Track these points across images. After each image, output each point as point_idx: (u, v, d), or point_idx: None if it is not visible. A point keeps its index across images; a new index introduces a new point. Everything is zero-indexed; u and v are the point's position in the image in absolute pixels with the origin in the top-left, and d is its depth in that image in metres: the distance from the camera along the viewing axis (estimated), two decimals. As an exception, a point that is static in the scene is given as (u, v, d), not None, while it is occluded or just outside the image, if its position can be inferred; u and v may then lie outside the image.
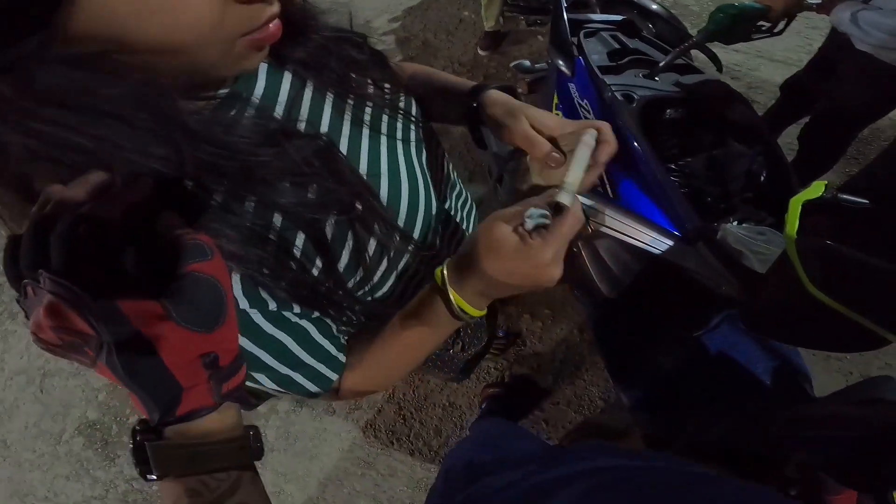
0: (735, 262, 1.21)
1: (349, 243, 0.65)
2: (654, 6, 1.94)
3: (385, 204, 0.71)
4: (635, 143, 1.40)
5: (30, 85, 0.40)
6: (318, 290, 0.63)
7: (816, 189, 0.95)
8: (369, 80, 0.76)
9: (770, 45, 2.22)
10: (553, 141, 0.73)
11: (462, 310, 0.66)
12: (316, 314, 0.67)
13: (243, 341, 0.59)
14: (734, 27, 1.51)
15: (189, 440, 0.47)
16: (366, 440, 2.25)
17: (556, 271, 0.60)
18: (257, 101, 0.62)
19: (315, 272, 0.63)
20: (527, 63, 2.15)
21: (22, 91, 0.40)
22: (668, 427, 1.39)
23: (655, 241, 1.36)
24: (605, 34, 1.79)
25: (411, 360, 0.77)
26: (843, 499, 0.89)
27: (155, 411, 0.45)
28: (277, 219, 0.58)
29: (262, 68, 0.65)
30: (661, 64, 1.58)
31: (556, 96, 1.79)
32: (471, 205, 1.02)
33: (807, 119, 2.20)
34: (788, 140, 2.35)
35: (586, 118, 1.55)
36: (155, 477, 0.46)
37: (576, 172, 0.66)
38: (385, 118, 0.77)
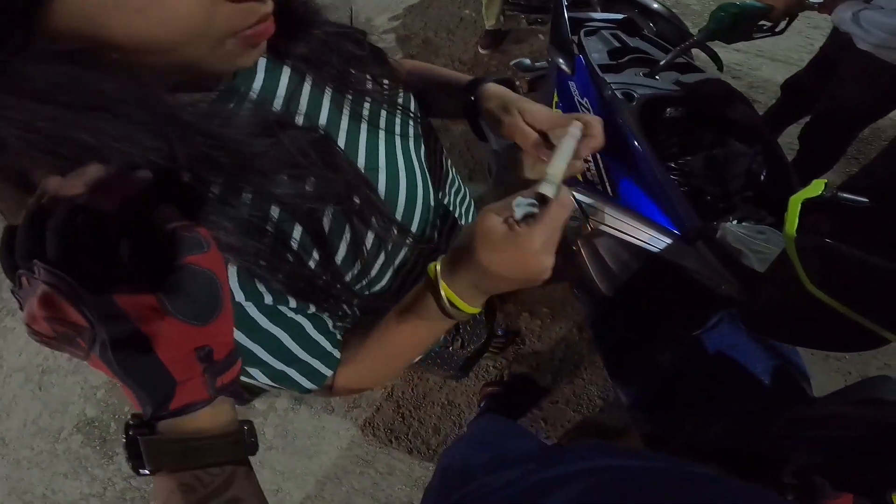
0: (734, 261, 1.21)
1: (346, 236, 0.65)
2: (655, 5, 1.94)
3: (383, 198, 0.71)
4: (635, 142, 1.40)
5: (17, 80, 0.40)
6: (316, 283, 0.63)
7: (816, 188, 0.95)
8: (368, 76, 0.76)
9: (771, 44, 2.22)
10: (546, 135, 0.73)
11: (453, 305, 0.65)
12: (312, 309, 0.67)
13: (238, 335, 0.59)
14: (735, 26, 1.50)
15: (182, 434, 0.47)
16: (364, 438, 2.25)
17: (547, 260, 0.60)
18: (255, 95, 0.62)
19: (312, 265, 0.62)
20: (527, 61, 2.15)
21: (10, 86, 0.40)
22: (667, 426, 1.39)
23: (655, 240, 1.36)
24: (605, 33, 1.78)
25: (405, 356, 0.77)
26: (839, 503, 0.89)
27: (148, 405, 0.45)
28: (275, 211, 0.57)
29: (261, 63, 0.65)
30: (661, 63, 1.58)
31: (556, 94, 1.79)
32: (469, 201, 1.02)
33: (807, 119, 2.20)
34: (789, 140, 2.35)
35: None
36: (147, 472, 0.46)
37: (558, 164, 0.66)
38: (383, 114, 0.77)
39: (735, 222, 1.30)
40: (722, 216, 1.37)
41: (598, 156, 1.52)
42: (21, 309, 0.41)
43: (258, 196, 0.55)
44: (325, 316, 0.71)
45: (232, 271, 0.55)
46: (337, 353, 0.74)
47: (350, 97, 0.72)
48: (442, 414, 2.26)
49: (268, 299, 0.60)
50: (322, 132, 0.64)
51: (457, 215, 0.94)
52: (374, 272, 0.73)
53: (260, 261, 0.56)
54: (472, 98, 0.84)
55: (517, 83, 0.83)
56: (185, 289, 0.42)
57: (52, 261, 0.38)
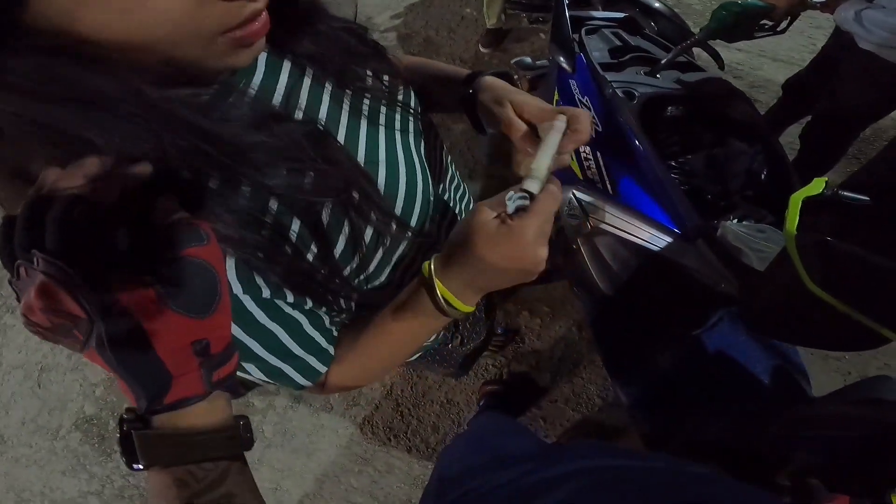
0: (734, 260, 1.21)
1: (345, 230, 0.65)
2: (657, 4, 1.94)
3: (382, 192, 0.70)
4: (636, 141, 1.39)
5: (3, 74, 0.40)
6: (314, 277, 0.63)
7: (816, 186, 0.95)
8: (369, 72, 0.76)
9: (773, 44, 2.21)
10: (536, 127, 0.73)
11: (448, 303, 0.65)
12: (308, 305, 0.67)
13: (235, 329, 0.58)
14: (737, 25, 1.50)
15: (177, 429, 0.47)
16: (363, 437, 2.24)
17: (541, 251, 0.60)
18: (255, 90, 0.61)
19: (311, 258, 0.62)
20: (528, 60, 2.14)
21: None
22: (667, 425, 1.39)
23: (655, 239, 1.36)
24: (606, 31, 1.78)
25: (398, 355, 0.77)
26: (835, 505, 0.89)
27: (143, 399, 0.45)
28: (273, 203, 0.57)
29: (262, 58, 0.64)
30: (662, 61, 1.57)
31: (557, 93, 1.78)
32: (468, 197, 1.02)
33: (808, 118, 2.20)
34: (790, 139, 2.35)
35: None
36: (141, 467, 0.46)
37: (542, 159, 0.65)
38: (383, 109, 0.76)
39: (735, 221, 1.30)
40: (722, 215, 1.36)
41: (599, 154, 1.52)
42: (18, 300, 0.41)
43: (256, 189, 0.55)
44: (322, 312, 0.71)
45: (230, 263, 0.54)
46: (332, 350, 0.74)
47: (350, 92, 0.72)
48: (441, 412, 2.26)
49: (265, 293, 0.59)
50: (319, 126, 0.63)
51: (457, 211, 0.94)
52: (372, 267, 0.73)
53: (258, 253, 0.55)
54: (470, 91, 0.83)
55: (515, 77, 0.82)
56: (183, 281, 0.42)
57: (51, 251, 0.38)
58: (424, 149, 0.83)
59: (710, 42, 1.59)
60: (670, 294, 1.43)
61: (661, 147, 1.46)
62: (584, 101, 1.59)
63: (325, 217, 0.62)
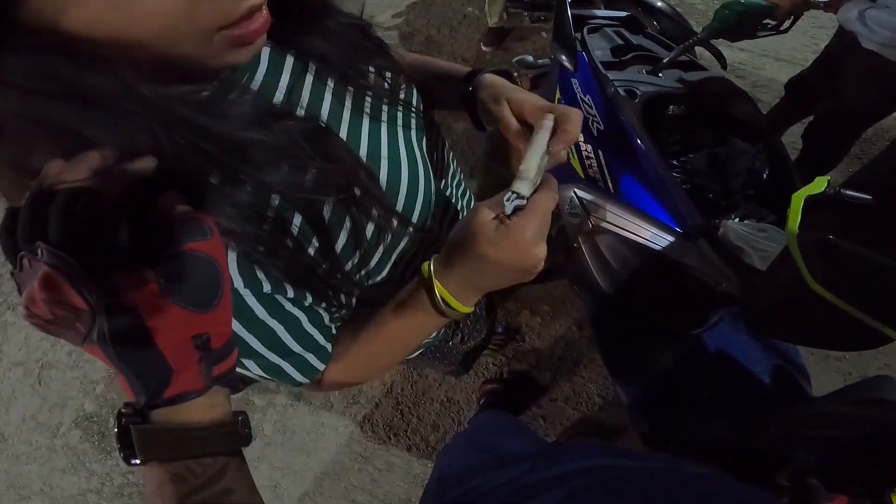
0: (736, 259, 1.21)
1: (347, 225, 0.65)
2: (659, 3, 1.94)
3: (385, 187, 0.70)
4: (637, 139, 1.39)
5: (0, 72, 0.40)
6: (315, 272, 0.63)
7: (819, 184, 0.95)
8: (372, 68, 0.75)
9: (776, 43, 2.21)
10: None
11: (447, 303, 0.66)
12: (308, 302, 0.67)
13: (235, 325, 0.58)
14: (740, 24, 1.50)
15: (176, 424, 0.47)
16: (363, 435, 2.25)
17: (540, 251, 0.61)
18: (257, 86, 0.61)
19: (312, 252, 0.62)
20: (530, 59, 2.14)
21: None
22: (667, 425, 1.39)
23: (656, 238, 1.35)
24: (608, 30, 1.78)
25: (396, 354, 0.78)
26: (834, 506, 0.89)
27: (142, 393, 0.44)
28: (275, 198, 0.57)
29: (265, 52, 0.64)
30: (664, 60, 1.57)
31: (558, 92, 1.78)
32: (470, 195, 1.02)
33: (811, 118, 2.19)
34: (792, 139, 2.34)
35: (589, 113, 1.54)
36: (139, 462, 0.46)
37: (530, 159, 0.65)
38: (386, 105, 0.76)
39: (737, 220, 1.30)
40: (724, 214, 1.36)
41: (600, 152, 1.51)
42: (19, 292, 0.41)
43: (257, 185, 0.55)
44: (322, 309, 0.71)
45: (232, 257, 0.54)
46: (330, 348, 0.74)
47: (352, 88, 0.72)
48: (441, 411, 2.26)
49: (266, 287, 0.59)
50: (320, 122, 0.64)
51: (458, 208, 0.94)
52: (373, 262, 0.73)
53: (260, 246, 0.55)
54: (470, 89, 0.83)
55: (515, 74, 0.82)
56: (186, 275, 0.42)
57: (55, 243, 0.38)
58: (427, 145, 0.83)
59: (713, 41, 1.59)
60: (671, 293, 1.43)
61: (662, 146, 1.46)
62: (586, 99, 1.59)
63: (326, 212, 0.62)
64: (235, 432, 0.51)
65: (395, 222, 0.71)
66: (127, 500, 2.28)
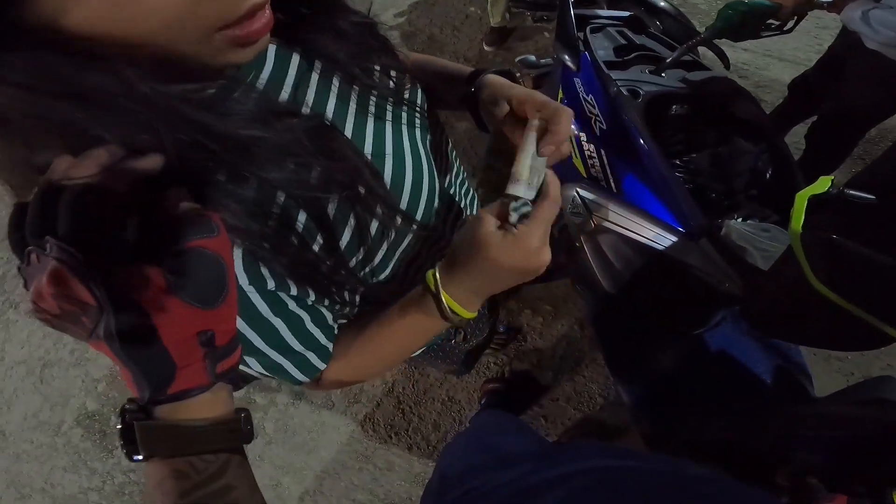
0: (738, 259, 1.20)
1: (351, 223, 0.65)
2: (662, 3, 1.93)
3: (389, 185, 0.71)
4: (640, 139, 1.39)
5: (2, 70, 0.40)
6: (319, 268, 0.63)
7: (822, 184, 0.95)
8: (377, 67, 0.75)
9: (779, 43, 2.21)
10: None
11: (454, 311, 0.67)
12: (311, 300, 0.67)
13: (238, 322, 0.58)
14: (743, 24, 1.50)
15: (179, 420, 0.47)
16: (364, 434, 2.25)
17: (545, 256, 0.63)
18: (263, 84, 0.61)
19: (316, 249, 0.62)
20: (532, 58, 2.14)
21: None
22: (668, 425, 1.38)
23: (659, 237, 1.35)
24: (611, 30, 1.78)
25: (397, 355, 0.79)
26: (833, 505, 0.89)
27: (146, 389, 0.45)
28: (281, 196, 0.57)
29: (271, 50, 0.64)
30: (667, 60, 1.57)
31: (561, 91, 1.78)
32: (473, 194, 1.02)
33: (814, 118, 2.19)
34: (795, 139, 2.34)
35: (591, 113, 1.54)
36: (141, 458, 0.46)
37: (520, 161, 0.66)
38: (391, 104, 0.76)
39: (740, 220, 1.30)
40: (726, 214, 1.36)
41: (603, 152, 1.51)
42: (26, 287, 0.42)
43: (261, 182, 0.55)
44: (324, 308, 0.71)
45: (237, 254, 0.55)
46: (331, 348, 0.74)
47: (358, 86, 0.72)
48: (442, 410, 2.26)
49: (270, 284, 0.60)
50: (324, 120, 0.63)
51: (462, 206, 0.94)
52: (377, 259, 0.74)
53: (264, 243, 0.56)
54: (472, 89, 0.84)
55: (517, 74, 0.82)
56: (192, 271, 0.43)
57: (63, 238, 0.39)
58: (431, 144, 0.84)
59: (716, 41, 1.58)
60: (673, 293, 1.43)
61: (665, 145, 1.46)
62: (589, 99, 1.59)
63: (331, 210, 0.62)
64: (238, 429, 0.51)
65: (398, 220, 0.71)
66: (128, 499, 2.27)
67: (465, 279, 0.66)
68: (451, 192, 0.90)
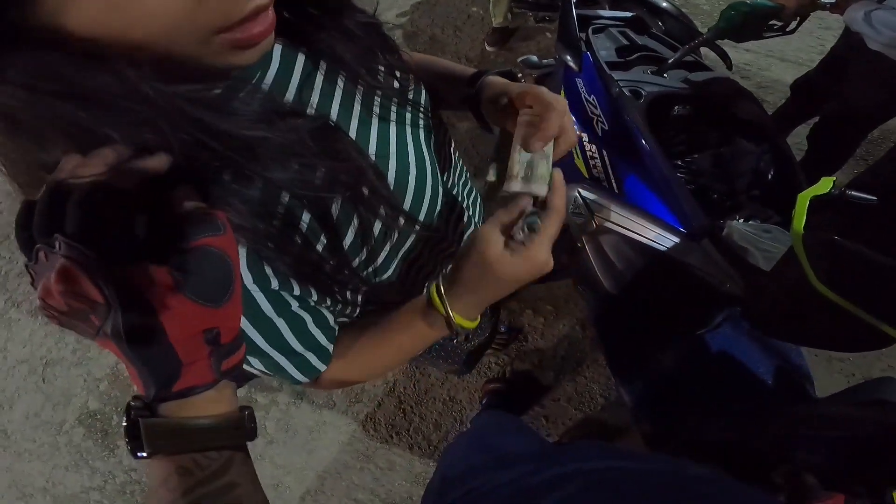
0: (740, 260, 1.20)
1: (354, 223, 0.66)
2: (664, 3, 1.93)
3: (392, 185, 0.71)
4: (642, 140, 1.39)
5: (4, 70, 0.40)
6: (322, 268, 0.64)
7: (824, 185, 0.95)
8: (382, 67, 0.75)
9: (782, 44, 2.21)
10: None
11: (458, 324, 0.70)
12: (314, 301, 0.67)
13: (242, 321, 0.58)
14: (745, 25, 1.50)
15: (184, 417, 0.47)
16: (365, 434, 2.25)
17: (550, 264, 0.65)
18: (269, 83, 0.62)
19: (320, 249, 0.63)
20: (534, 59, 2.14)
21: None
22: (669, 425, 1.39)
23: (660, 238, 1.35)
24: (613, 30, 1.78)
25: (398, 360, 0.79)
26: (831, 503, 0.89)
27: (151, 386, 0.45)
28: (285, 196, 0.57)
29: (277, 49, 0.64)
30: (669, 60, 1.57)
31: (563, 92, 1.78)
32: (476, 193, 1.03)
33: (816, 119, 2.19)
34: (797, 140, 2.34)
35: (593, 114, 1.54)
36: (145, 454, 0.46)
37: (511, 157, 0.68)
38: (395, 105, 0.76)
39: (741, 221, 1.30)
40: (728, 214, 1.36)
41: (605, 152, 1.51)
42: (33, 284, 0.42)
43: (265, 183, 0.55)
44: (326, 310, 0.72)
45: (241, 253, 0.55)
46: (331, 349, 0.74)
47: (362, 86, 0.72)
48: (443, 410, 2.26)
49: (274, 284, 0.60)
50: (329, 121, 0.64)
51: (464, 206, 0.94)
52: (380, 259, 0.74)
53: (269, 243, 0.56)
54: (474, 91, 0.84)
55: (519, 74, 0.82)
56: (199, 269, 0.43)
57: (72, 235, 0.39)
58: (434, 144, 0.84)
59: (718, 42, 1.58)
60: (675, 294, 1.43)
61: (667, 146, 1.46)
62: (591, 99, 1.59)
63: (335, 210, 0.63)
64: (242, 427, 0.52)
65: (401, 221, 0.72)
66: (129, 498, 2.28)
67: (471, 296, 0.68)
68: (454, 192, 0.91)
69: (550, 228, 0.64)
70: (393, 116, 0.75)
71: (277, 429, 2.31)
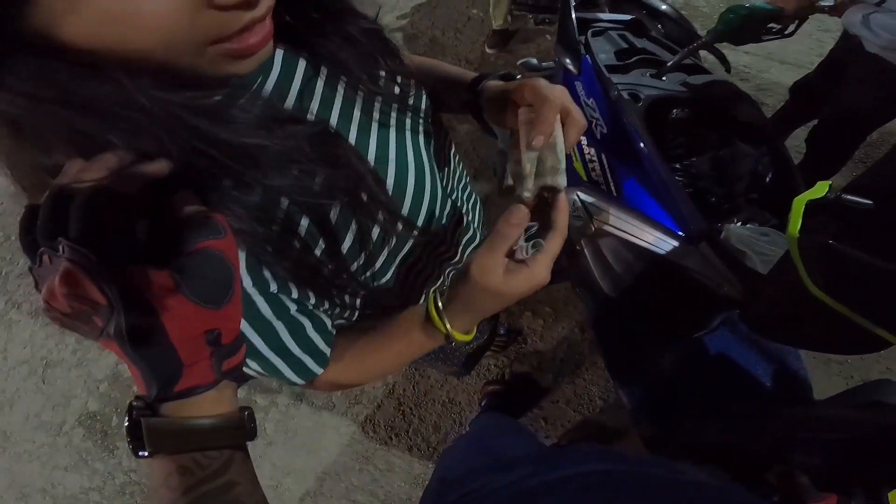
0: (738, 263, 1.21)
1: (353, 228, 0.66)
2: (664, 6, 1.93)
3: (391, 191, 0.71)
4: (640, 143, 1.39)
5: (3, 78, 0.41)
6: (320, 272, 0.64)
7: (820, 189, 0.95)
8: (383, 72, 0.75)
9: (781, 47, 2.20)
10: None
11: (456, 338, 0.71)
12: (312, 305, 0.67)
13: (241, 324, 0.59)
14: (744, 28, 1.50)
15: (184, 417, 0.47)
16: (364, 435, 2.25)
17: (548, 279, 0.65)
18: (270, 89, 0.62)
19: (318, 253, 0.63)
20: (534, 61, 2.15)
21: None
22: (667, 427, 1.39)
23: (659, 241, 1.35)
24: (613, 33, 1.78)
25: (394, 365, 0.80)
26: (824, 504, 0.89)
27: (153, 386, 0.46)
28: (284, 201, 0.58)
29: (278, 54, 0.64)
30: (668, 63, 1.57)
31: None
32: (475, 198, 1.03)
33: (815, 122, 2.19)
34: (796, 143, 2.34)
35: (592, 117, 1.55)
36: (146, 454, 0.46)
37: (522, 159, 0.68)
38: (395, 109, 0.77)
39: (739, 224, 1.30)
40: (726, 217, 1.37)
41: (603, 156, 1.52)
42: (37, 287, 0.43)
43: (264, 189, 0.55)
44: (324, 314, 0.72)
45: (241, 256, 0.55)
46: (329, 353, 0.75)
47: (363, 91, 0.72)
48: (442, 412, 2.26)
49: (272, 287, 0.61)
50: (328, 127, 0.64)
51: (463, 211, 0.94)
52: (378, 264, 0.74)
53: (268, 246, 0.57)
54: (475, 95, 0.84)
55: (518, 77, 0.82)
56: (200, 272, 0.44)
57: (75, 239, 0.39)
58: (434, 149, 0.84)
59: (717, 45, 1.59)
60: (673, 296, 1.43)
61: (666, 149, 1.46)
62: (590, 103, 1.59)
63: (333, 215, 0.63)
64: (242, 427, 0.52)
65: (400, 226, 0.72)
66: (128, 499, 2.28)
67: (469, 313, 0.69)
68: (454, 197, 0.91)
69: (553, 247, 0.65)
70: (393, 122, 0.75)
71: (277, 430, 2.31)
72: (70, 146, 0.45)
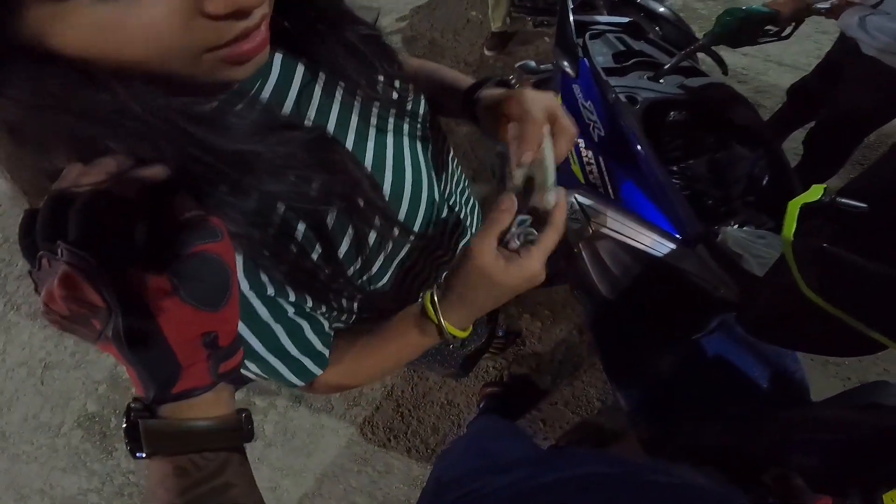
0: (734, 266, 1.21)
1: (349, 232, 0.66)
2: (661, 9, 1.94)
3: (388, 195, 0.72)
4: (638, 145, 1.40)
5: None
6: (317, 276, 0.64)
7: (815, 192, 0.95)
8: (381, 77, 0.76)
9: (779, 49, 2.22)
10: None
11: (451, 333, 0.70)
12: (309, 308, 0.68)
13: (239, 326, 0.59)
14: (741, 31, 1.50)
15: (182, 419, 0.48)
16: (363, 437, 2.25)
17: (542, 275, 0.65)
18: (268, 94, 0.62)
19: (315, 257, 0.63)
20: (532, 64, 2.15)
21: None
22: (665, 429, 1.39)
23: (656, 244, 1.36)
24: (610, 36, 1.78)
25: (392, 367, 0.80)
26: (819, 506, 0.89)
27: (151, 388, 0.46)
28: (281, 206, 0.58)
29: (277, 58, 0.64)
30: (666, 66, 1.57)
31: (560, 97, 1.78)
32: (474, 202, 1.03)
33: (813, 124, 2.19)
34: (794, 145, 2.34)
35: (590, 119, 1.55)
36: (144, 455, 0.47)
37: (514, 175, 0.68)
38: (393, 114, 0.77)
39: (736, 226, 1.30)
40: (723, 220, 1.37)
41: (601, 158, 1.52)
42: (36, 290, 0.43)
43: (261, 195, 0.56)
44: (321, 316, 0.72)
45: (238, 260, 0.56)
46: (327, 354, 0.75)
47: (361, 96, 0.72)
48: (441, 413, 2.26)
49: (269, 290, 0.61)
50: (325, 133, 0.64)
51: (462, 215, 0.95)
52: (375, 268, 0.75)
53: (264, 251, 0.57)
54: (471, 104, 0.85)
55: (513, 81, 0.82)
56: (197, 275, 0.44)
57: (74, 242, 0.40)
58: (432, 153, 0.84)
59: (715, 47, 1.59)
60: (670, 299, 1.44)
61: (663, 152, 1.46)
62: (587, 105, 1.59)
63: (330, 220, 0.63)
64: (239, 428, 0.53)
65: (396, 231, 0.72)
66: (127, 500, 2.28)
67: (464, 306, 0.69)
68: (451, 201, 0.91)
69: (547, 242, 0.64)
70: (390, 127, 0.76)
71: (275, 432, 2.31)
72: (70, 150, 0.45)
